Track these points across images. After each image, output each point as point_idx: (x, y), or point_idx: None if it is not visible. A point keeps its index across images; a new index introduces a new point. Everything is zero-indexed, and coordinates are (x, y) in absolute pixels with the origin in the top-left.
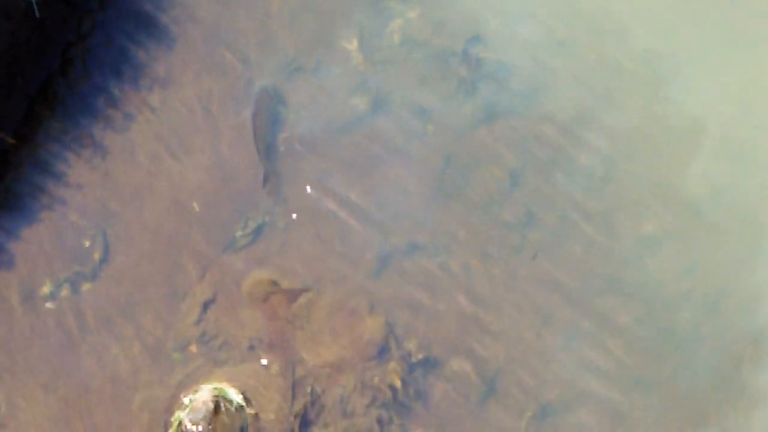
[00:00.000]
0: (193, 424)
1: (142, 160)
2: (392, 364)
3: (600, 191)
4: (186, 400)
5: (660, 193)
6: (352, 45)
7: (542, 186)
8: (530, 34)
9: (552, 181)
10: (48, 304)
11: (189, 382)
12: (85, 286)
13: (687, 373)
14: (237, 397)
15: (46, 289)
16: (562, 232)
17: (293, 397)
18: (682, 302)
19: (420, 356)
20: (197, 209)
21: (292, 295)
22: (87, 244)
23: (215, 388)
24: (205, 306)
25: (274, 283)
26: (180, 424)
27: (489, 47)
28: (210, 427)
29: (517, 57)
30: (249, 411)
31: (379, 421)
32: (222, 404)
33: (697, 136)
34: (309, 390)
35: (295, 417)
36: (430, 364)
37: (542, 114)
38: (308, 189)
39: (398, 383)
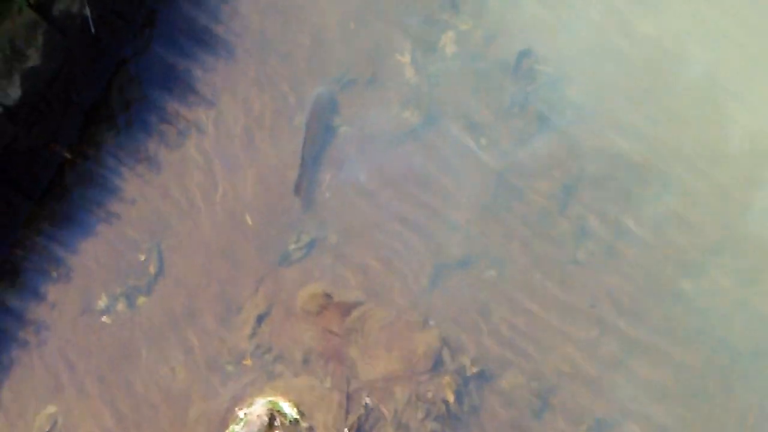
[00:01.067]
0: None
1: (196, 175)
2: (446, 378)
3: (654, 204)
4: (241, 414)
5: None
6: (405, 58)
7: (595, 200)
8: (584, 48)
9: (605, 196)
10: (104, 318)
11: (243, 396)
12: (141, 300)
13: (742, 391)
14: (291, 411)
15: (102, 303)
16: (616, 245)
17: (347, 410)
18: (737, 314)
19: (474, 370)
20: (250, 223)
21: (346, 309)
22: (142, 257)
23: (269, 402)
24: (260, 319)
25: (328, 296)
26: None
27: (542, 60)
28: None
29: (571, 70)
30: (303, 425)
31: None
32: (276, 418)
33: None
34: (363, 403)
35: (350, 430)
36: (484, 378)
37: (595, 128)
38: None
39: (452, 397)
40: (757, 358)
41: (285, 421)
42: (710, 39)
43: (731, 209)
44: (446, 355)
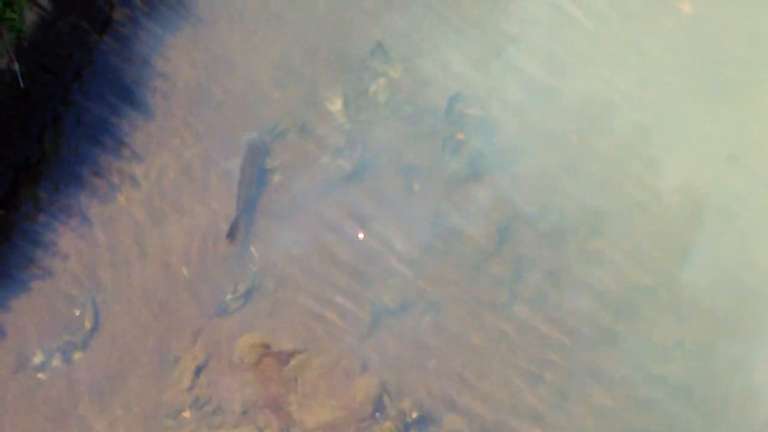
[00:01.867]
0: None
1: (129, 227)
2: (387, 424)
3: (589, 242)
4: None
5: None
6: (337, 105)
7: (529, 241)
8: (513, 91)
9: (539, 236)
10: (40, 374)
11: None
12: (77, 355)
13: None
14: None
15: (37, 359)
16: (549, 286)
17: None
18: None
19: (414, 415)
20: (186, 274)
21: (284, 357)
22: (77, 312)
23: None
24: (198, 371)
25: (266, 345)
26: None
27: (472, 104)
28: None
29: (501, 114)
30: None
31: None
32: None
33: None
34: None
35: None
36: (424, 422)
37: (526, 170)
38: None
39: None
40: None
41: None
42: (639, 88)
43: (665, 256)
44: (386, 400)
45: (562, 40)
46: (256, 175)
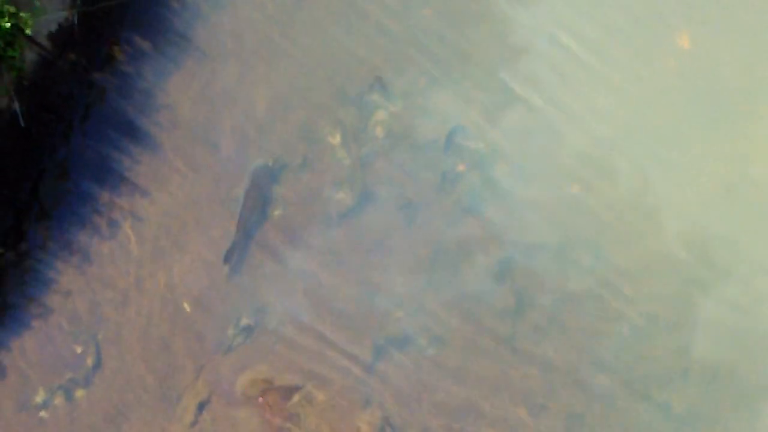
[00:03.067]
0: None
1: (130, 265)
2: None
3: (589, 276)
4: None
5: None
6: (336, 140)
7: (531, 273)
8: (510, 122)
9: (540, 268)
10: (42, 413)
11: None
12: (79, 393)
13: None
14: None
15: (39, 398)
16: (551, 316)
17: None
18: None
19: None
20: (188, 310)
21: (287, 392)
22: (79, 350)
23: None
24: (201, 407)
25: (268, 381)
26: None
27: (471, 137)
28: None
29: (501, 147)
30: None
31: None
32: None
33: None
34: None
35: None
36: None
37: (527, 201)
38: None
39: None
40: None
41: None
42: (638, 125)
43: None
44: None
45: (562, 74)
46: (261, 201)
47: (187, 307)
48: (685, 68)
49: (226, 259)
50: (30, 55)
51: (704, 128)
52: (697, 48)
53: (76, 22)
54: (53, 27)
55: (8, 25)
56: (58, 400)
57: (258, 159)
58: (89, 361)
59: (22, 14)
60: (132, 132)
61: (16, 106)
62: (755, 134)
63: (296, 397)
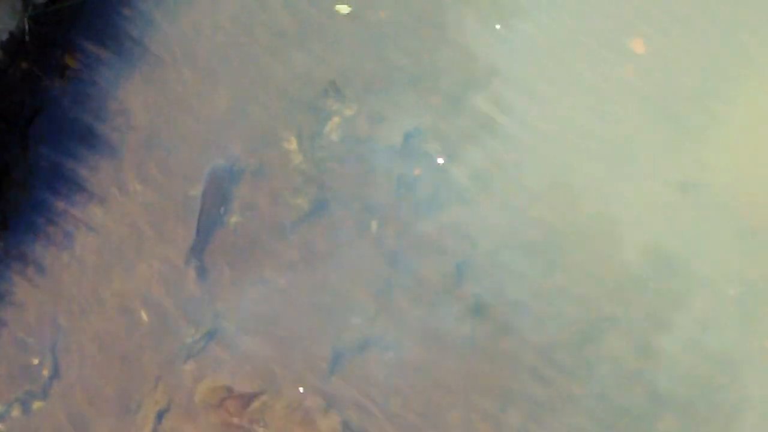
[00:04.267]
0: None
1: (87, 274)
2: None
3: (548, 279)
4: None
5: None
6: (292, 145)
7: (489, 276)
8: (469, 124)
9: (499, 270)
10: None
11: None
12: (36, 405)
13: None
14: None
15: None
16: (511, 320)
17: None
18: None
19: None
20: (146, 319)
21: (246, 399)
22: (35, 361)
23: None
24: (160, 416)
25: (228, 388)
26: None
27: (429, 140)
28: None
29: (458, 149)
30: None
31: None
32: None
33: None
34: None
35: None
36: None
37: (486, 207)
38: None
39: None
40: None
41: None
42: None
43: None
44: None
45: (516, 77)
46: (219, 202)
47: (144, 315)
48: (640, 74)
49: (186, 264)
50: None
51: (659, 135)
52: (651, 53)
53: (27, 30)
54: (4, 36)
55: None
56: (15, 413)
57: (218, 160)
58: (46, 373)
59: None
60: (87, 139)
61: None
62: (710, 139)
63: (256, 404)
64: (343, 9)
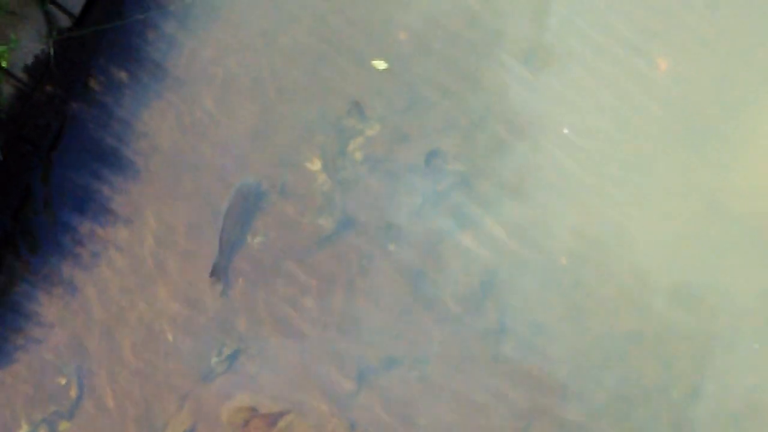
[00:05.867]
0: None
1: (113, 295)
2: None
3: (572, 295)
4: None
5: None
6: (315, 166)
7: (513, 293)
8: (489, 142)
9: (523, 287)
10: None
11: None
12: (63, 426)
13: None
14: None
15: (22, 431)
16: (535, 340)
17: None
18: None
19: None
20: (171, 339)
21: (272, 420)
22: (63, 382)
23: None
24: None
25: (253, 409)
26: None
27: (451, 159)
28: None
29: (479, 165)
30: None
31: None
32: None
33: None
34: None
35: None
36: None
37: (508, 219)
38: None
39: None
40: None
41: None
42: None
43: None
44: None
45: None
46: (243, 218)
47: (169, 336)
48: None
49: (211, 284)
50: (7, 89)
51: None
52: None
53: (52, 53)
54: (29, 60)
55: None
56: None
57: (246, 176)
58: (73, 393)
59: None
60: (111, 161)
61: None
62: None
63: (281, 424)
64: (380, 65)
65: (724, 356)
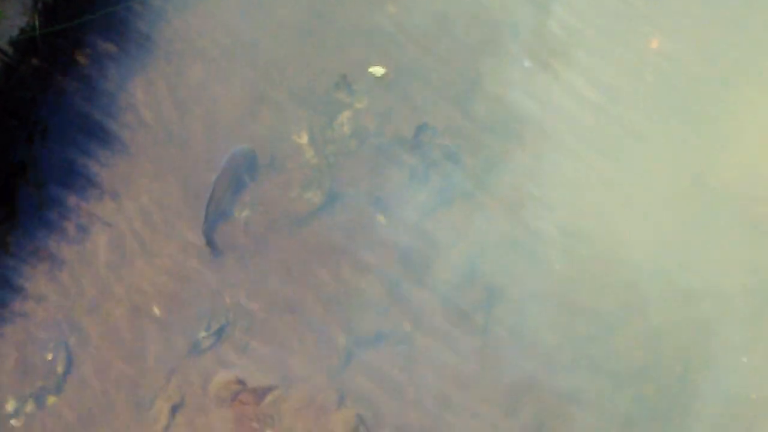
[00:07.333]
0: None
1: (100, 269)
2: None
3: (561, 269)
4: None
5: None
6: (303, 139)
7: (502, 265)
8: (478, 116)
9: (512, 259)
10: (13, 421)
11: None
12: (50, 400)
13: None
14: None
15: (10, 407)
16: (525, 309)
17: None
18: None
19: None
20: (158, 313)
21: (260, 394)
22: (50, 357)
23: None
24: (173, 410)
25: (241, 382)
26: None
27: (440, 134)
28: None
29: (467, 142)
30: None
31: None
32: None
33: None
34: None
35: None
36: None
37: (495, 195)
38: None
39: None
40: None
41: None
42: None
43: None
44: None
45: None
46: (234, 186)
47: (156, 310)
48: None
49: (197, 257)
50: None
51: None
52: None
53: (37, 26)
54: (14, 33)
55: None
56: (30, 408)
57: (240, 144)
58: (60, 368)
59: None
60: (98, 135)
61: None
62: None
63: (270, 398)
64: (378, 71)
65: (710, 339)
